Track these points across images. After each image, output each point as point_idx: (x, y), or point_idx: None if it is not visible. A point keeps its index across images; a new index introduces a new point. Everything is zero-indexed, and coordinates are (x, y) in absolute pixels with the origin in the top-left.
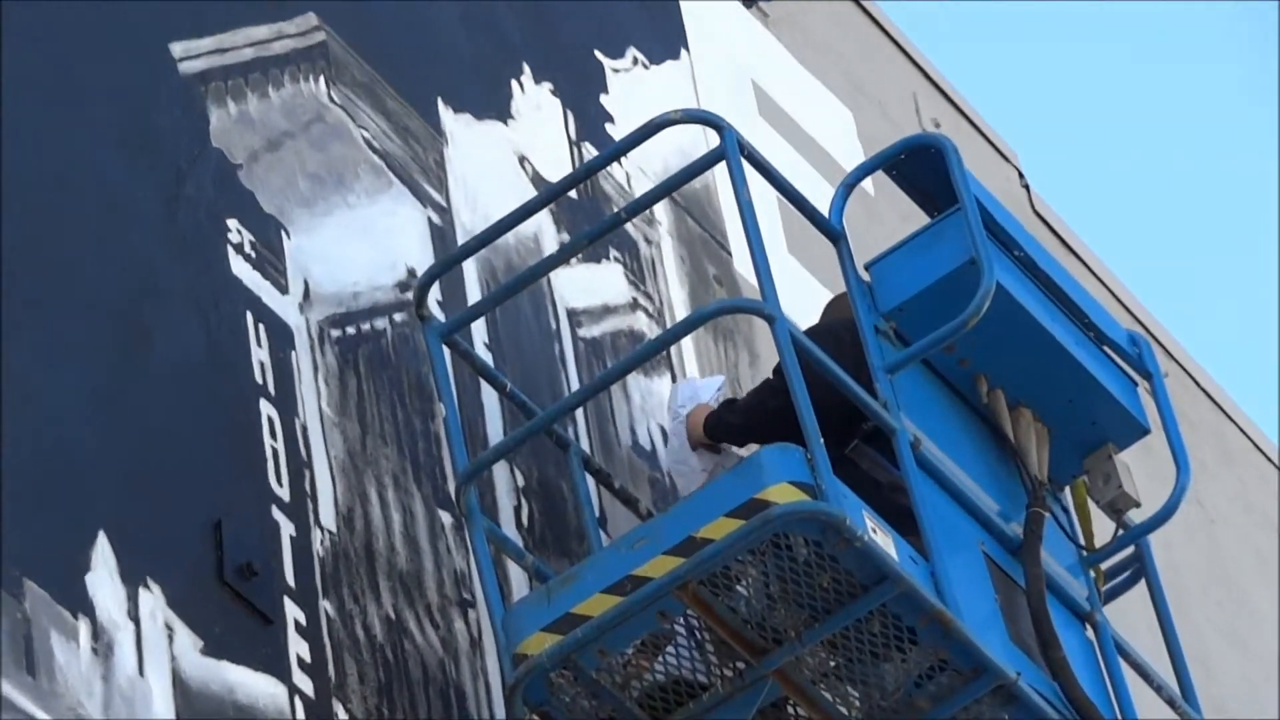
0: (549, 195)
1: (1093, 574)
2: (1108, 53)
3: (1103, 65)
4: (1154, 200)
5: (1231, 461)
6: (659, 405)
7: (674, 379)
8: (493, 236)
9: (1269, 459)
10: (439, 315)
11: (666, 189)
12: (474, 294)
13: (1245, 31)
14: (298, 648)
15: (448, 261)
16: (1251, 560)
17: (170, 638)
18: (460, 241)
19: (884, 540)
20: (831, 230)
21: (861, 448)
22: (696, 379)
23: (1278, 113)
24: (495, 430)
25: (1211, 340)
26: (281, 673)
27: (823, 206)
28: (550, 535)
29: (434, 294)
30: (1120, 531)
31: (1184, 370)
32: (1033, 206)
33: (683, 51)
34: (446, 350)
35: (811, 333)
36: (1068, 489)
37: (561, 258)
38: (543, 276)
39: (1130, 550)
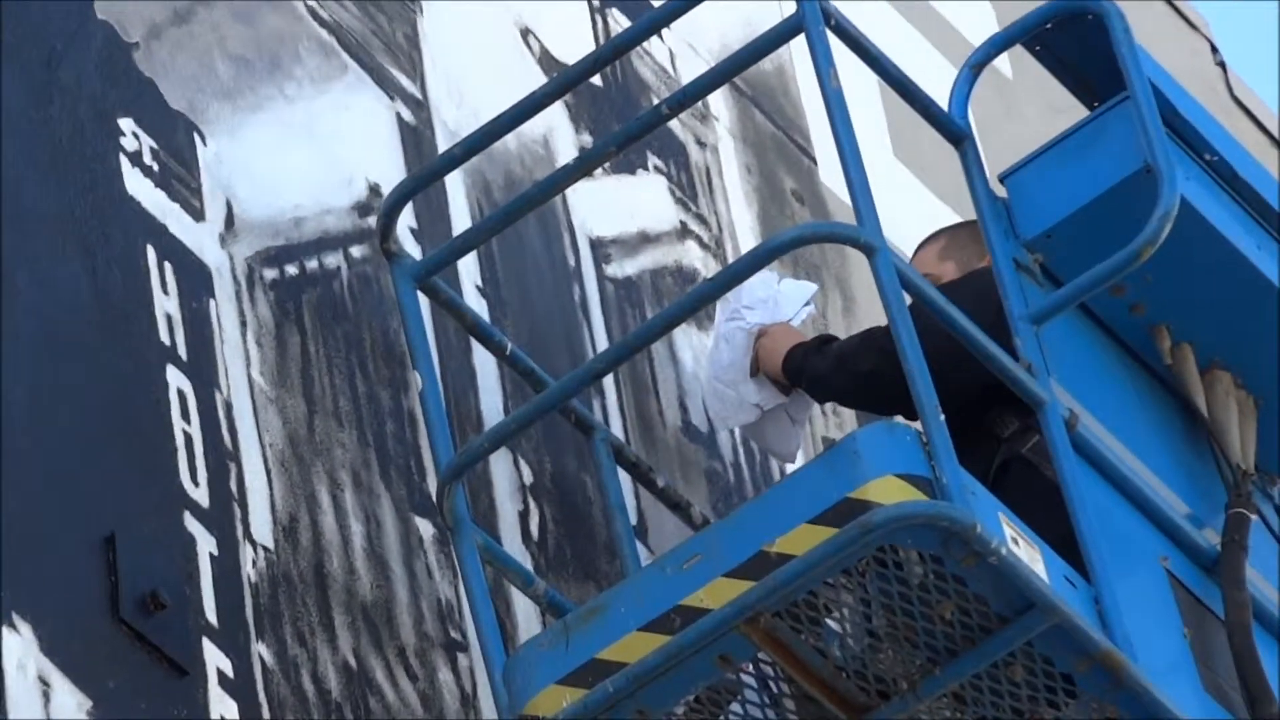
0: (564, 82)
1: None
2: None
3: None
4: None
5: None
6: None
7: None
8: (486, 141)
9: None
10: (414, 251)
11: (726, 73)
12: (461, 221)
13: None
14: (222, 708)
15: (425, 175)
16: None
17: (46, 696)
18: (442, 147)
19: (1029, 554)
20: (953, 128)
21: (1043, 445)
22: (775, 280)
23: None
24: (492, 408)
25: None
26: None
27: (942, 95)
28: (569, 551)
29: (406, 220)
30: None
31: None
32: (1231, 92)
33: None
34: (423, 298)
35: (947, 286)
36: None
37: (582, 169)
38: (555, 195)
39: None
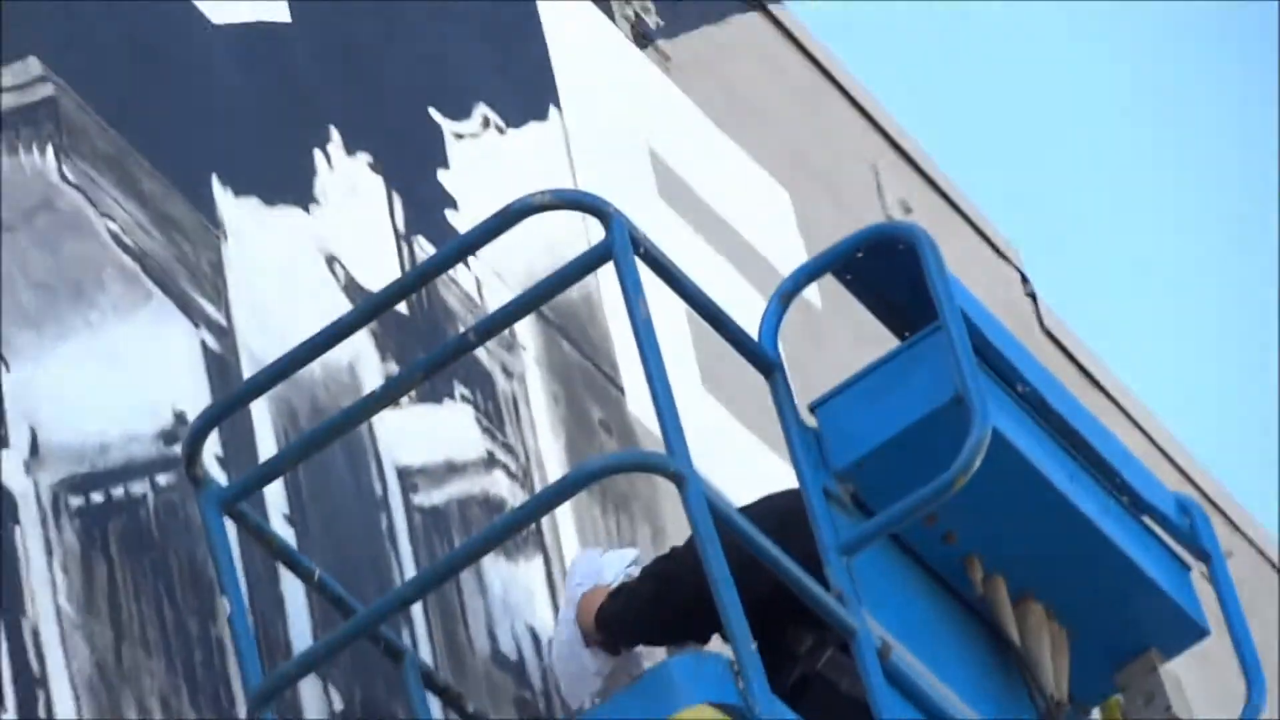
0: (369, 309)
1: None
2: (1136, 124)
3: (1128, 142)
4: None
5: None
6: (527, 599)
7: (548, 561)
8: (292, 367)
9: None
10: (220, 478)
11: (532, 301)
12: (267, 449)
13: None
14: None
15: (230, 402)
16: None
17: None
18: (247, 374)
19: None
20: (763, 358)
21: (839, 659)
22: (599, 552)
23: None
24: (301, 634)
25: None
26: None
27: (751, 324)
28: None
29: (212, 448)
30: None
31: (1255, 548)
32: (1041, 323)
33: (552, 109)
34: (230, 524)
35: (747, 510)
36: (1096, 711)
37: (388, 396)
38: (362, 422)
39: None
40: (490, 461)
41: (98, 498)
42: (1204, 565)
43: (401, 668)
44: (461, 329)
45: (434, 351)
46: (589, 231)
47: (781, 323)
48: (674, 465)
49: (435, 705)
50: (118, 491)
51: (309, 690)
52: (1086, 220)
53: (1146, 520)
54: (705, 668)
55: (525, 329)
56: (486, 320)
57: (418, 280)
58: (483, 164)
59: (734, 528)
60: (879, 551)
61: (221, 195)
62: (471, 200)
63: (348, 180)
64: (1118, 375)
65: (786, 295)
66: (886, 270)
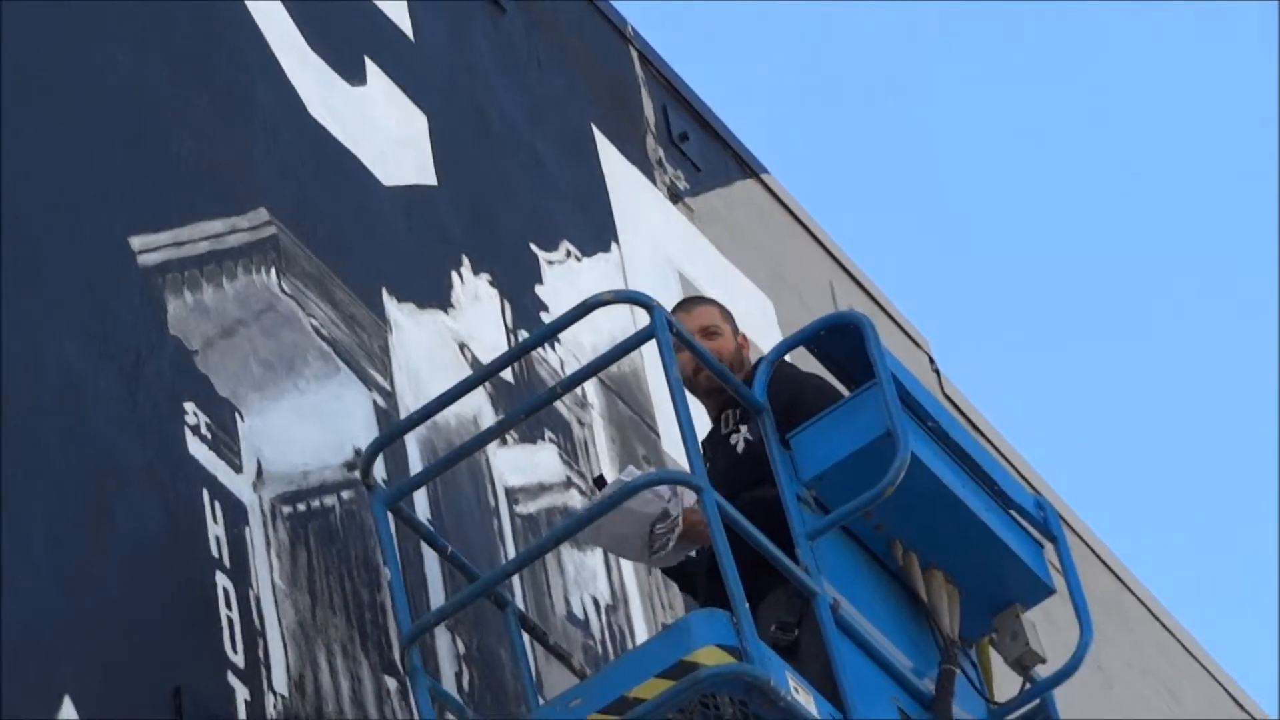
0: (485, 373)
1: None
2: (1017, 245)
3: (1011, 258)
4: (1062, 389)
5: (1128, 626)
6: (590, 577)
7: (605, 553)
8: (433, 411)
9: (1163, 625)
10: (383, 486)
11: (600, 365)
12: (415, 468)
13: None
14: None
15: (392, 433)
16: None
17: None
18: None
19: (806, 699)
20: (755, 403)
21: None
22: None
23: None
24: (437, 598)
25: (1109, 512)
26: None
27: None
28: (490, 697)
29: (378, 470)
30: (1027, 686)
31: (1081, 540)
32: (943, 390)
33: (613, 244)
34: (391, 517)
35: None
36: (976, 646)
37: (499, 430)
38: (481, 448)
39: (1035, 704)
40: (568, 484)
41: (301, 507)
42: (1052, 545)
43: (506, 614)
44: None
45: (530, 400)
46: (637, 323)
47: (769, 380)
48: (696, 480)
49: (528, 643)
50: (315, 503)
51: (443, 640)
52: (979, 314)
53: (1013, 514)
54: (714, 620)
55: (592, 392)
56: (567, 379)
57: (519, 352)
58: (565, 281)
59: (736, 526)
60: (833, 537)
61: (389, 302)
62: (558, 306)
63: (473, 292)
64: (991, 421)
65: (773, 361)
66: (840, 345)
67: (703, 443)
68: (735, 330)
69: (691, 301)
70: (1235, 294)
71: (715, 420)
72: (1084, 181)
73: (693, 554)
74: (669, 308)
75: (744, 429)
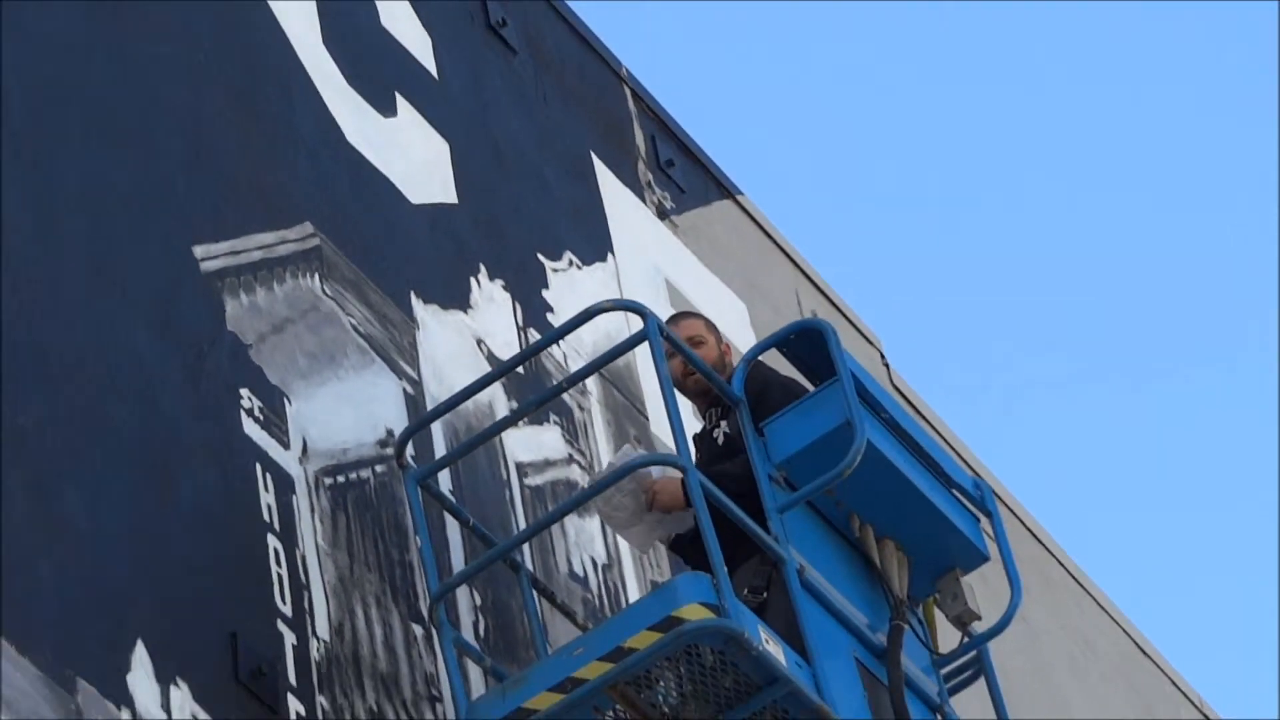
0: (501, 370)
1: (941, 674)
2: (968, 246)
3: (956, 265)
4: (996, 381)
5: (1052, 588)
6: (589, 540)
7: (602, 522)
8: (456, 403)
9: (1081, 586)
10: (414, 465)
11: (598, 365)
12: (440, 450)
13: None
14: None
15: (421, 422)
16: (1066, 667)
17: None
18: (429, 408)
19: (775, 650)
20: (734, 396)
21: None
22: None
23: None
24: (457, 560)
25: (1036, 489)
26: None
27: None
28: (503, 644)
29: (410, 451)
30: (965, 639)
31: (1012, 513)
32: (891, 381)
33: (609, 255)
34: (421, 492)
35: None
36: (922, 605)
37: (512, 420)
38: (497, 435)
39: (972, 655)
40: (570, 460)
41: (340, 479)
42: (988, 519)
43: (519, 575)
44: (555, 382)
45: (540, 394)
46: (630, 325)
47: (745, 376)
48: (681, 461)
49: (536, 600)
50: (353, 476)
51: (462, 592)
52: (925, 317)
53: (954, 492)
54: (697, 581)
55: (592, 383)
56: (570, 377)
57: (530, 353)
58: (568, 287)
59: (711, 497)
60: (800, 511)
61: (416, 303)
62: (561, 307)
63: (489, 295)
64: (935, 409)
65: (748, 360)
66: (808, 347)
67: (693, 438)
68: (720, 339)
69: (681, 315)
70: (1195, 289)
71: (702, 418)
72: (1015, 192)
73: (682, 533)
74: (658, 313)
75: (724, 424)
